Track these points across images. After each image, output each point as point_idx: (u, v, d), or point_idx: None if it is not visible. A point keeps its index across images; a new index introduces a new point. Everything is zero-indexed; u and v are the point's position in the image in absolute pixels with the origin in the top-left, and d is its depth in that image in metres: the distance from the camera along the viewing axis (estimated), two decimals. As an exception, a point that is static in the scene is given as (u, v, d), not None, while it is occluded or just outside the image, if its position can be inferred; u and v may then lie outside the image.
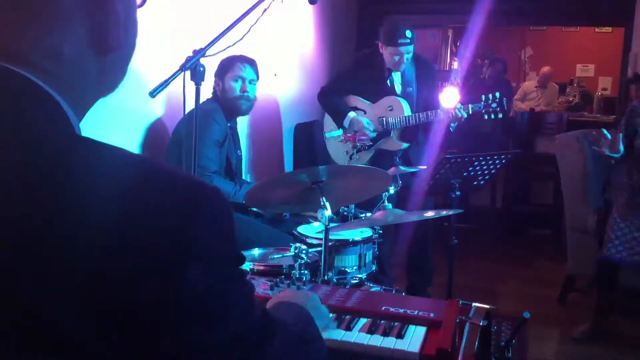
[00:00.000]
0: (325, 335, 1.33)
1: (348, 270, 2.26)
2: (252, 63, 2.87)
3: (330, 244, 2.04)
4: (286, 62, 4.17)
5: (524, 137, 5.59)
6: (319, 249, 2.06)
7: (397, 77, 3.37)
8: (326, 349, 0.92)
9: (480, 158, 2.79)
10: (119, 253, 0.59)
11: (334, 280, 2.18)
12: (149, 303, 0.59)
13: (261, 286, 1.63)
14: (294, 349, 0.81)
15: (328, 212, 1.84)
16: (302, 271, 1.85)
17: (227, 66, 2.82)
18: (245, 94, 2.84)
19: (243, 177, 3.15)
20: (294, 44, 4.30)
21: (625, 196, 3.00)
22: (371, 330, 1.37)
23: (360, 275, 2.28)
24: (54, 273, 0.58)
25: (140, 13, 0.76)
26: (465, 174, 2.81)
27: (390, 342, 1.32)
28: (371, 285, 2.25)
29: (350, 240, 2.28)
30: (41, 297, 0.58)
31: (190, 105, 1.81)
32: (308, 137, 4.30)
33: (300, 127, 4.34)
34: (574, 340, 3.11)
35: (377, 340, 1.33)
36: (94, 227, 0.58)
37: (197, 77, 1.82)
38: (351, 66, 3.58)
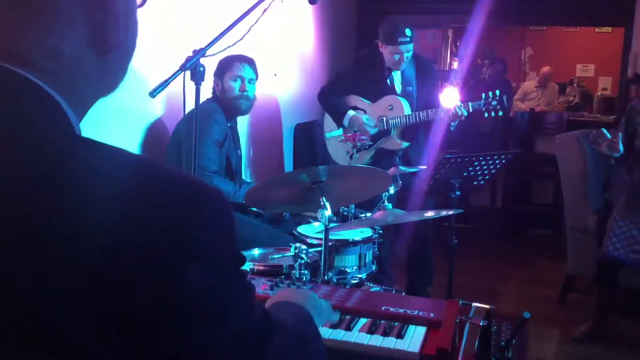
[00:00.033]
0: (325, 335, 1.33)
1: (348, 270, 2.26)
2: (250, 62, 2.87)
3: (330, 244, 2.04)
4: (286, 62, 4.17)
5: (524, 137, 5.59)
6: (319, 249, 2.06)
7: (397, 76, 3.38)
8: (324, 349, 0.92)
9: (480, 158, 2.79)
10: (119, 253, 0.59)
11: (334, 280, 2.18)
12: (149, 303, 0.59)
13: (261, 286, 1.63)
14: (293, 349, 0.81)
15: (328, 212, 1.84)
16: (302, 271, 1.86)
17: (226, 66, 2.82)
18: (245, 93, 2.84)
19: (243, 177, 3.15)
20: (294, 44, 4.30)
21: (625, 196, 3.01)
22: (371, 330, 1.37)
23: (360, 275, 2.28)
24: (54, 273, 0.58)
25: (140, 13, 0.76)
26: (465, 174, 2.81)
27: (390, 342, 1.32)
28: (371, 285, 2.25)
29: (350, 240, 2.28)
30: (41, 297, 0.58)
31: (190, 105, 1.81)
32: (308, 137, 4.30)
33: (300, 127, 4.34)
34: (574, 340, 3.11)
35: (377, 340, 1.33)
36: (94, 227, 0.58)
37: (197, 77, 1.82)
38: (351, 66, 3.58)
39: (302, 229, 2.41)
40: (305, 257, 1.87)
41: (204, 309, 0.62)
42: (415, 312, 1.42)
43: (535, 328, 3.11)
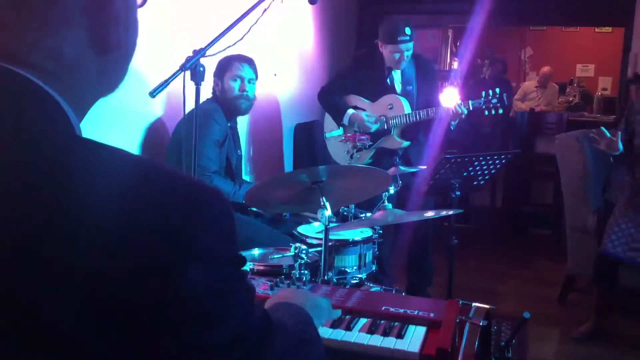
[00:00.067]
0: (325, 335, 1.33)
1: (348, 270, 2.26)
2: (250, 62, 2.87)
3: (330, 244, 2.04)
4: (286, 62, 4.17)
5: (524, 137, 5.59)
6: (319, 249, 2.06)
7: (397, 75, 3.38)
8: (324, 350, 0.92)
9: (480, 158, 2.79)
10: (119, 253, 0.59)
11: (334, 280, 2.18)
12: (149, 303, 0.59)
13: (261, 286, 1.63)
14: (293, 350, 0.81)
15: (328, 212, 1.84)
16: (302, 271, 1.86)
17: (226, 66, 2.82)
18: (245, 93, 2.83)
19: (243, 177, 3.14)
20: (294, 44, 4.30)
21: (625, 195, 3.00)
22: (371, 330, 1.37)
23: (360, 275, 2.28)
24: (54, 273, 0.58)
25: (140, 13, 0.76)
26: (465, 174, 2.81)
27: (390, 342, 1.32)
28: (371, 285, 2.25)
29: (350, 240, 2.28)
30: (41, 297, 0.58)
31: (190, 105, 1.81)
32: (308, 137, 4.30)
33: (300, 127, 4.34)
34: (574, 340, 3.11)
35: (377, 340, 1.33)
36: (94, 227, 0.58)
37: (197, 77, 1.82)
38: (351, 66, 3.58)
39: (302, 229, 2.41)
40: (305, 257, 1.87)
41: (204, 309, 0.62)
42: (415, 312, 1.42)
43: (535, 328, 3.11)
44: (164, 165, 0.67)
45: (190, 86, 1.80)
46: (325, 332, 1.35)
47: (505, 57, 7.05)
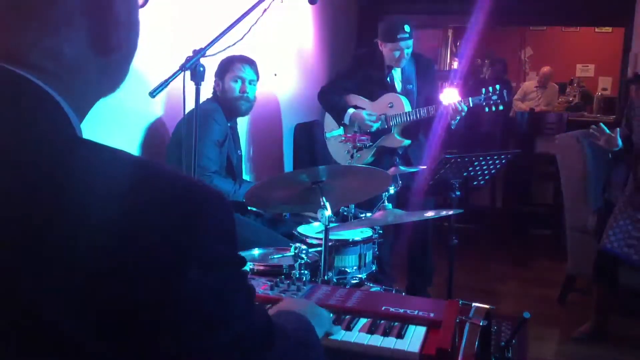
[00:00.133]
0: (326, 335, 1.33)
1: (348, 270, 2.26)
2: (251, 63, 2.87)
3: (330, 244, 2.04)
4: (286, 62, 4.17)
5: (524, 137, 5.59)
6: (319, 249, 2.06)
7: (397, 74, 3.38)
8: (324, 357, 0.93)
9: (480, 158, 2.79)
10: (119, 253, 0.59)
11: (334, 280, 2.18)
12: (149, 303, 0.59)
13: (261, 286, 1.63)
14: (293, 351, 0.81)
15: (328, 212, 1.84)
16: (302, 271, 1.86)
17: (227, 66, 2.82)
18: (245, 94, 2.83)
19: (243, 177, 3.14)
20: (294, 44, 4.30)
21: (626, 194, 3.00)
22: (371, 330, 1.37)
23: (360, 275, 2.28)
24: (54, 273, 0.58)
25: (141, 13, 0.76)
26: (465, 174, 2.82)
27: (390, 342, 1.32)
28: (371, 285, 2.25)
29: (350, 240, 2.28)
30: (41, 297, 0.58)
31: (190, 105, 1.81)
32: (308, 137, 4.30)
33: (300, 127, 4.34)
34: (574, 340, 3.11)
35: (377, 340, 1.33)
36: (94, 228, 0.58)
37: (197, 77, 1.82)
38: (351, 65, 3.58)
39: (302, 229, 2.41)
40: (305, 257, 1.87)
41: (204, 310, 0.62)
42: (415, 312, 1.42)
43: (535, 328, 3.11)
44: (164, 166, 0.67)
45: (190, 86, 1.80)
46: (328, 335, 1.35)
47: (505, 57, 7.04)
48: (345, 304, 1.48)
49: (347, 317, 1.43)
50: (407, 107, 3.33)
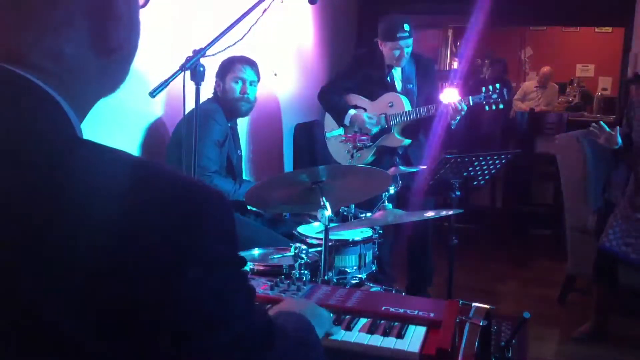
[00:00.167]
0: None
1: (348, 270, 2.26)
2: (252, 64, 2.87)
3: (330, 244, 2.04)
4: (286, 62, 4.17)
5: (524, 137, 5.59)
6: (319, 249, 2.06)
7: (397, 74, 3.38)
8: (324, 357, 0.93)
9: (480, 158, 2.79)
10: (119, 253, 0.59)
11: (334, 280, 2.18)
12: (149, 303, 0.59)
13: (261, 286, 1.62)
14: (293, 351, 0.81)
15: (328, 212, 1.84)
16: (302, 271, 1.86)
17: (228, 67, 2.82)
18: (246, 95, 2.84)
19: (243, 177, 3.14)
20: (294, 44, 4.30)
21: (626, 195, 3.00)
22: (371, 330, 1.37)
23: (360, 275, 2.28)
24: (54, 273, 0.58)
25: (141, 13, 0.76)
26: (465, 174, 2.82)
27: (390, 342, 1.32)
28: (371, 285, 2.25)
29: (350, 240, 2.28)
30: (41, 297, 0.58)
31: (190, 105, 1.81)
32: (308, 137, 4.30)
33: (300, 127, 4.34)
34: (574, 340, 3.11)
35: (377, 340, 1.33)
36: (94, 228, 0.58)
37: (197, 77, 1.82)
38: (351, 65, 3.58)
39: (302, 229, 2.41)
40: (305, 257, 1.87)
41: (203, 310, 0.62)
42: (415, 312, 1.42)
43: (535, 328, 3.11)
44: (164, 166, 0.67)
45: (190, 86, 1.80)
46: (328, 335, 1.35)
47: (505, 57, 7.04)
48: (345, 304, 1.48)
49: (347, 317, 1.43)
50: (407, 107, 3.33)
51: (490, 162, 2.82)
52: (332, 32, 4.98)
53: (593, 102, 7.61)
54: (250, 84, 2.85)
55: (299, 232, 2.38)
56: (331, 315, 1.32)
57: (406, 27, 3.19)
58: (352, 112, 3.37)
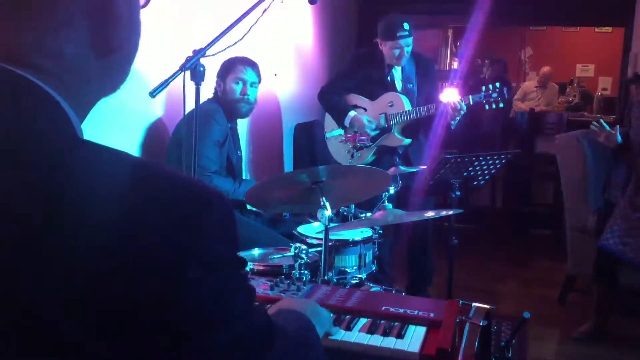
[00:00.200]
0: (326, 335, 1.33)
1: (348, 270, 2.26)
2: (254, 66, 2.87)
3: (330, 244, 2.04)
4: (286, 62, 4.17)
5: (524, 137, 5.59)
6: (319, 249, 2.06)
7: (397, 73, 3.38)
8: (324, 356, 0.92)
9: (480, 158, 2.79)
10: (119, 253, 0.59)
11: (334, 280, 2.18)
12: (149, 303, 0.59)
13: (261, 286, 1.63)
14: (293, 351, 0.81)
15: (328, 212, 1.84)
16: (302, 271, 1.86)
17: (229, 67, 2.82)
18: (246, 97, 2.83)
19: (244, 177, 3.14)
20: (293, 44, 4.30)
21: (627, 195, 3.01)
22: (371, 330, 1.37)
23: (360, 275, 2.28)
24: (54, 273, 0.58)
25: (141, 13, 0.76)
26: (465, 174, 2.82)
27: (390, 342, 1.32)
28: (371, 285, 2.25)
29: (350, 240, 2.28)
30: (41, 297, 0.58)
31: (190, 105, 1.81)
32: (308, 137, 4.30)
33: (300, 127, 4.34)
34: (574, 340, 3.11)
35: (377, 340, 1.33)
36: (94, 228, 0.58)
37: (197, 77, 1.82)
38: (351, 65, 3.58)
39: (302, 229, 2.41)
40: (305, 257, 1.87)
41: (204, 310, 0.62)
42: (415, 312, 1.42)
43: (535, 328, 3.11)
44: (164, 167, 0.67)
45: (190, 86, 1.80)
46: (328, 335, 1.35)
47: (505, 57, 7.04)
48: (345, 304, 1.48)
49: (347, 317, 1.43)
50: (408, 106, 3.33)
51: (490, 162, 2.82)
52: (332, 32, 4.98)
53: (593, 102, 7.61)
54: (251, 85, 2.85)
55: (299, 232, 2.38)
56: (331, 315, 1.32)
57: (406, 26, 3.19)
58: (352, 113, 3.37)
